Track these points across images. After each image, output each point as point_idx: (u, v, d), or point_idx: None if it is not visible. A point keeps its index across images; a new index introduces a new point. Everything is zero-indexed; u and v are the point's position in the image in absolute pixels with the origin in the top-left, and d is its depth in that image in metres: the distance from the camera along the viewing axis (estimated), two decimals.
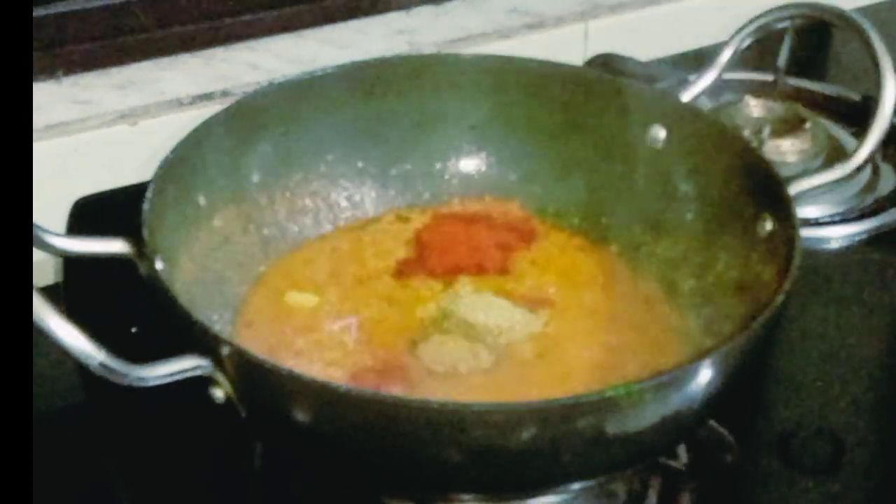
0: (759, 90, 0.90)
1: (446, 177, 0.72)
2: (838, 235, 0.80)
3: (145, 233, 0.55)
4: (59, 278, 0.72)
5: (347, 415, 0.48)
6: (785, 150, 0.83)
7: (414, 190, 0.71)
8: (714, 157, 0.64)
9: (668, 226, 0.66)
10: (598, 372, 0.60)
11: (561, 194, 0.70)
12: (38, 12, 0.80)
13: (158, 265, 0.54)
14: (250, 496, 0.61)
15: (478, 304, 0.63)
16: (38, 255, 0.52)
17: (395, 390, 0.58)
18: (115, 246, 0.55)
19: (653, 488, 0.61)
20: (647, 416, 0.49)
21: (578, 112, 0.69)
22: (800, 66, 0.93)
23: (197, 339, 0.50)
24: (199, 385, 0.51)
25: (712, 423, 0.61)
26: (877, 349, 0.71)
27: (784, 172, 0.62)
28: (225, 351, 0.49)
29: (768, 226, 0.59)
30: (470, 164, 0.72)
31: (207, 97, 0.84)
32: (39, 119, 0.79)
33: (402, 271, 0.66)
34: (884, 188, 0.84)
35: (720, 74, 0.70)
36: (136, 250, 0.55)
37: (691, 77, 0.70)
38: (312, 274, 0.66)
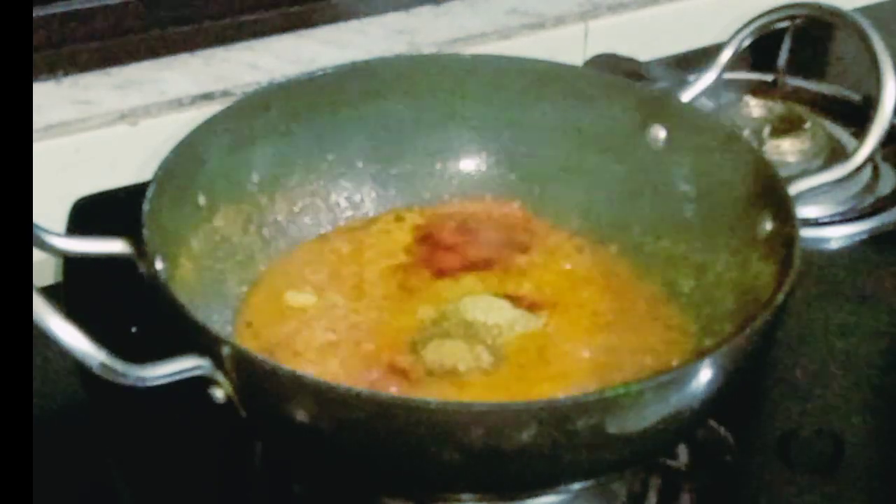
0: (760, 90, 0.90)
1: (446, 177, 0.72)
2: (838, 235, 0.80)
3: (145, 233, 0.55)
4: (59, 278, 0.72)
5: (347, 415, 0.48)
6: (785, 150, 0.83)
7: (414, 190, 0.71)
8: (714, 157, 0.64)
9: (668, 226, 0.66)
10: (598, 372, 0.60)
11: (561, 194, 0.70)
12: (38, 12, 0.80)
13: (158, 265, 0.54)
14: (251, 496, 0.61)
15: (478, 304, 0.63)
16: (37, 255, 0.52)
17: (395, 390, 0.58)
18: (115, 246, 0.55)
19: (653, 488, 0.61)
20: (647, 416, 0.49)
21: (578, 112, 0.69)
22: (800, 66, 0.93)
23: (197, 339, 0.50)
24: (199, 385, 0.51)
25: (712, 423, 0.61)
26: (877, 349, 0.71)
27: (784, 172, 0.62)
28: (225, 351, 0.49)
29: (768, 226, 0.59)
30: (470, 164, 0.72)
31: (207, 97, 0.84)
32: (39, 119, 0.79)
33: (402, 271, 0.66)
34: (884, 188, 0.84)
35: (720, 74, 0.70)
36: (136, 250, 0.55)
37: (691, 77, 0.70)
38: (312, 274, 0.66)
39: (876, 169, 0.85)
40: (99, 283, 0.64)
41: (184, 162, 0.61)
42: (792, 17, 0.70)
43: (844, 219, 0.80)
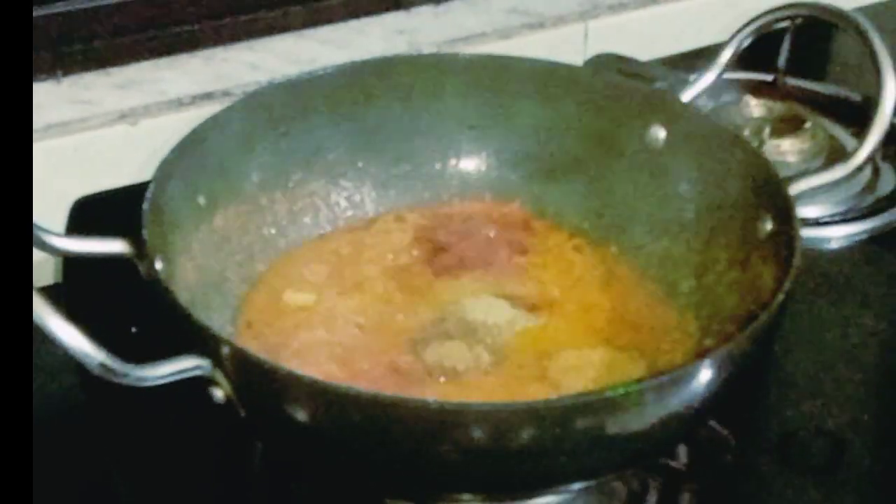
0: (760, 90, 0.90)
1: (446, 177, 0.72)
2: (838, 235, 0.80)
3: (145, 233, 0.55)
4: (59, 278, 0.72)
5: (347, 415, 0.48)
6: (785, 150, 0.83)
7: (414, 190, 0.71)
8: (714, 157, 0.64)
9: (668, 226, 0.66)
10: (598, 372, 0.60)
11: (561, 194, 0.70)
12: (38, 12, 0.80)
13: (158, 265, 0.54)
14: (250, 496, 0.61)
15: (478, 304, 0.63)
16: (37, 255, 0.52)
17: (395, 390, 0.58)
18: (114, 246, 0.55)
19: (653, 488, 0.60)
20: (647, 416, 0.49)
21: (578, 112, 0.69)
22: (800, 66, 0.93)
23: (197, 339, 0.50)
24: (199, 385, 0.51)
25: (712, 423, 0.61)
26: (877, 349, 0.71)
27: (784, 172, 0.62)
28: (225, 351, 0.49)
29: (768, 226, 0.59)
30: (470, 164, 0.72)
31: (207, 97, 0.83)
32: (39, 119, 0.79)
33: (402, 271, 0.66)
34: (884, 188, 0.84)
35: (720, 74, 0.70)
36: (135, 250, 0.55)
37: (691, 77, 0.70)
38: (312, 274, 0.66)
39: (876, 169, 0.85)
40: (99, 284, 0.64)
41: (184, 162, 0.61)
42: (792, 17, 0.70)
43: (845, 219, 0.80)
